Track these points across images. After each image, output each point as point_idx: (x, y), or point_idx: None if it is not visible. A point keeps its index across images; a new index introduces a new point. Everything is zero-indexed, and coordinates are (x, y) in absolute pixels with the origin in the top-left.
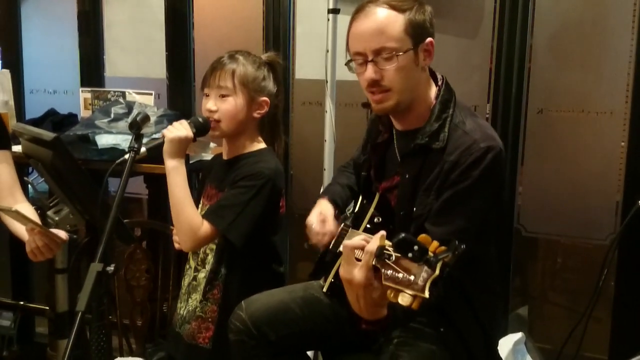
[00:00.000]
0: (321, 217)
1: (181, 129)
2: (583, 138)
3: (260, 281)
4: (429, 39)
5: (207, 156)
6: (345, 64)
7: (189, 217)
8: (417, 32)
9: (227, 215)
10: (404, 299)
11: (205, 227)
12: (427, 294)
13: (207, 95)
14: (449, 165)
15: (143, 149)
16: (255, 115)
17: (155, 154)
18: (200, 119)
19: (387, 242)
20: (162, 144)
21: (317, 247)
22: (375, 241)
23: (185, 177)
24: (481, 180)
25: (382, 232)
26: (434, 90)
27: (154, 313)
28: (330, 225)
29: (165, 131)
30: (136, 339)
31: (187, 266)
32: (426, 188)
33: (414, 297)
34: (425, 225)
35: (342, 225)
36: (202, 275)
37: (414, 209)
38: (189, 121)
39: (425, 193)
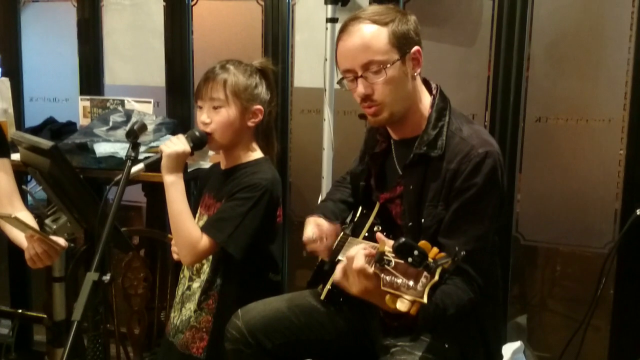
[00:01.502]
0: (316, 227)
1: (178, 143)
2: (581, 146)
3: (257, 290)
4: (415, 48)
5: (206, 164)
6: (338, 82)
7: (187, 231)
8: (402, 43)
9: (226, 228)
10: (402, 305)
11: (205, 240)
12: (425, 299)
13: (201, 108)
14: (451, 174)
15: (141, 166)
16: (250, 124)
17: (153, 169)
18: (197, 133)
19: (387, 248)
20: (160, 159)
21: (319, 254)
22: (360, 258)
23: (183, 192)
24: (485, 186)
25: (383, 238)
26: (428, 99)
27: (152, 321)
28: (328, 227)
29: (162, 146)
30: (133, 347)
31: (181, 275)
32: (432, 198)
33: (413, 302)
34: (438, 240)
35: (341, 234)
36: (196, 284)
37: (422, 220)
38: (185, 135)
39: (432, 203)
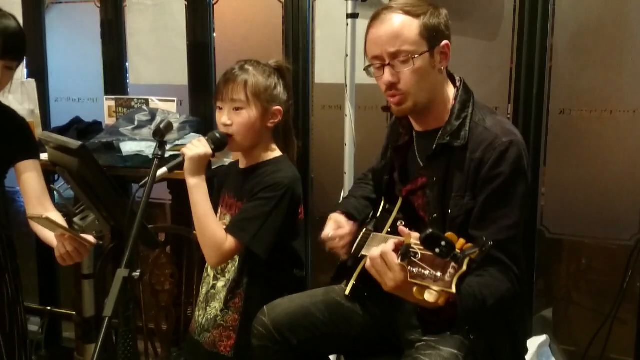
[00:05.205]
0: (336, 225)
1: (200, 146)
2: (606, 138)
3: (283, 287)
4: (444, 42)
5: (229, 161)
6: (364, 69)
7: (212, 233)
8: (432, 36)
9: (250, 228)
10: (430, 296)
11: (230, 241)
12: (454, 289)
13: (221, 109)
14: (475, 164)
15: (164, 170)
16: (269, 124)
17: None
18: (217, 135)
19: (414, 240)
20: (182, 162)
21: (339, 254)
22: (385, 253)
23: (206, 194)
24: (512, 175)
25: (407, 231)
26: (452, 92)
27: (179, 317)
28: (347, 227)
29: (184, 150)
30: (161, 342)
31: (205, 274)
32: (458, 189)
33: (441, 293)
34: (469, 232)
35: (364, 230)
36: (221, 284)
37: (449, 211)
38: (207, 138)
39: (459, 194)
